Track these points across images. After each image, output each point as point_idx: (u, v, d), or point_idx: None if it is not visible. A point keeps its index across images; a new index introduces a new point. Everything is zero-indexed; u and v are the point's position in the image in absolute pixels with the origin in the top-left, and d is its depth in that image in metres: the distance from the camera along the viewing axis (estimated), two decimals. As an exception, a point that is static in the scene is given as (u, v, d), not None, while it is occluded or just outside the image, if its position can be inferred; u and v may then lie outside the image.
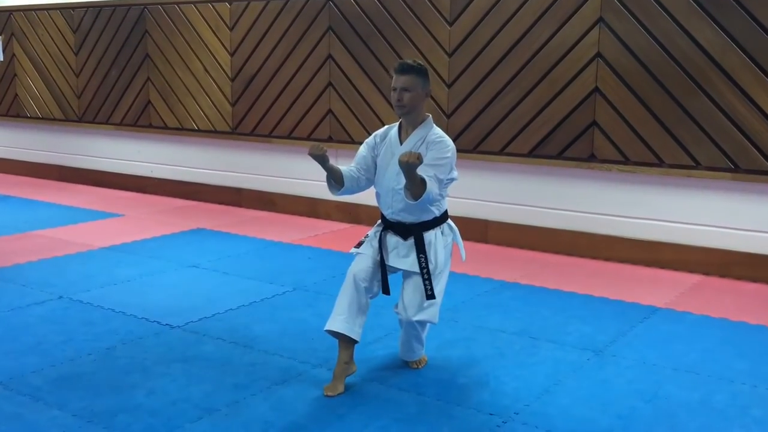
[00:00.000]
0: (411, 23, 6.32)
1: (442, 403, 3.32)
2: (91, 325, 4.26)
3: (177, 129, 7.96)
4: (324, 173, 3.44)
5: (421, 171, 3.16)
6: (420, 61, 3.42)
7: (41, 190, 8.50)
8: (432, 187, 3.20)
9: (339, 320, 3.41)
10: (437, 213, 3.43)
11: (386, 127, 3.56)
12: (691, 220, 5.43)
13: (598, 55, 5.53)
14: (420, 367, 3.68)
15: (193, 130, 7.84)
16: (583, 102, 5.64)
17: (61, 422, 3.12)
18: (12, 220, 6.93)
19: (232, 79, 7.46)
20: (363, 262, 3.46)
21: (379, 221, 3.57)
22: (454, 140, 6.28)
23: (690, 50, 5.20)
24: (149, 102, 8.12)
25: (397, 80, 3.33)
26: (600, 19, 5.49)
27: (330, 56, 6.81)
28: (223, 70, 7.50)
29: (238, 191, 7.69)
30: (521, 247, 6.05)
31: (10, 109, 9.46)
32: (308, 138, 7.05)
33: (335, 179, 3.45)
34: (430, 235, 3.42)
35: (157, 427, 3.08)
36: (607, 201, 5.73)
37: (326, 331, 3.46)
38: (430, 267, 3.38)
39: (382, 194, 3.48)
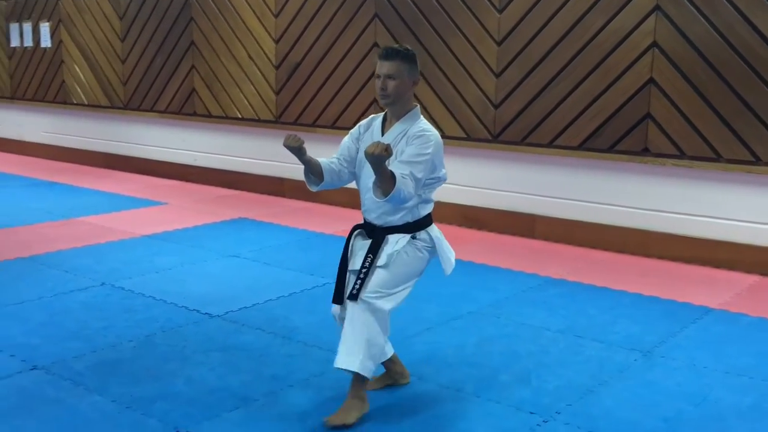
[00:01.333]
0: (459, 10, 6.18)
1: (481, 400, 3.22)
2: (132, 312, 4.25)
3: (221, 117, 7.96)
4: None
5: (395, 167, 2.85)
6: (408, 47, 3.09)
7: (86, 177, 8.59)
8: (403, 185, 2.82)
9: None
10: (410, 219, 3.04)
11: (372, 116, 3.23)
12: (750, 218, 5.20)
13: (654, 44, 5.33)
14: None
15: (236, 118, 7.83)
16: (637, 93, 5.44)
17: (100, 407, 3.11)
18: (57, 206, 7.00)
19: (277, 67, 7.42)
20: (334, 300, 3.14)
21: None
22: (500, 132, 6.13)
23: (751, 39, 4.97)
24: (194, 90, 8.12)
25: (382, 67, 2.99)
26: (657, 7, 5.29)
27: (376, 44, 6.71)
28: (268, 57, 7.46)
29: (281, 181, 7.65)
30: (570, 243, 5.88)
31: (57, 96, 9.58)
32: (353, 128, 6.95)
33: (314, 173, 3.12)
34: (395, 237, 3.03)
35: (194, 415, 3.04)
36: (660, 197, 5.53)
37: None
38: (378, 262, 2.96)
39: (360, 189, 3.17)
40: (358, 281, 2.95)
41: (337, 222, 6.52)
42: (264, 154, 7.79)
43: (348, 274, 3.10)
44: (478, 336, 3.92)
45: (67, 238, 5.83)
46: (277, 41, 7.38)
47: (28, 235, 5.94)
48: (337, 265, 3.12)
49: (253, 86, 7.63)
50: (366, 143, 3.07)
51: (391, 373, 3.31)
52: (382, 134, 3.09)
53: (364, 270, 2.96)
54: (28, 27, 9.73)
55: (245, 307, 4.33)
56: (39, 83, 9.79)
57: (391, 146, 2.91)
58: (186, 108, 8.24)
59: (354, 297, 2.95)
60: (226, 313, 4.24)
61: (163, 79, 8.38)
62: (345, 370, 2.95)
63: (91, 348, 3.72)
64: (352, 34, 6.84)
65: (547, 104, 5.85)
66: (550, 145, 5.89)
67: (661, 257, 5.49)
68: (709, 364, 3.60)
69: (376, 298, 2.94)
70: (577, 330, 4.03)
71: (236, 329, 4.00)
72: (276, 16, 7.33)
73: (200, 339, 3.86)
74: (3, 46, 10.15)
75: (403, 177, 2.84)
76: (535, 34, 5.83)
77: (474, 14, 6.11)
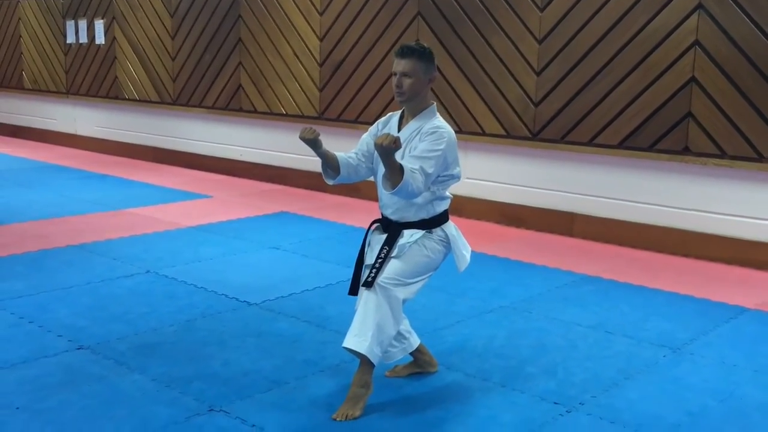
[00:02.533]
0: (501, 9, 6.22)
1: (506, 390, 3.28)
2: (174, 298, 4.41)
3: (266, 113, 8.13)
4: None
5: (407, 162, 2.92)
6: (424, 44, 3.11)
7: (136, 170, 8.85)
8: (411, 178, 2.87)
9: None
10: (425, 215, 3.10)
11: (390, 114, 3.28)
12: (790, 219, 5.15)
13: (696, 42, 5.29)
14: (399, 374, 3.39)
15: (281, 114, 7.99)
16: (679, 92, 5.41)
17: (140, 385, 3.26)
18: (108, 197, 7.25)
19: (321, 64, 7.55)
20: (349, 292, 3.24)
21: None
22: (540, 130, 6.16)
23: (796, 38, 4.92)
24: (240, 86, 8.31)
25: (398, 65, 3.03)
26: (699, 6, 5.25)
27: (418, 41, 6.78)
28: (312, 55, 7.60)
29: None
30: (608, 241, 5.87)
31: (110, 91, 9.88)
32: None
33: (331, 167, 3.17)
34: (410, 231, 3.10)
35: (228, 395, 3.17)
36: (701, 196, 5.49)
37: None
38: (392, 253, 3.04)
39: (377, 185, 3.20)
40: (374, 270, 3.01)
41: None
42: (307, 149, 7.81)
43: (363, 267, 3.18)
44: (508, 329, 3.98)
45: (115, 228, 6.04)
46: (321, 39, 7.51)
47: (79, 224, 6.18)
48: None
49: (298, 83, 7.77)
50: None
51: (419, 362, 3.39)
52: (399, 131, 3.14)
53: (379, 260, 3.03)
54: (83, 24, 10.06)
55: (282, 297, 4.45)
56: (93, 79, 10.11)
57: (404, 141, 3.00)
58: (233, 104, 8.44)
59: (369, 284, 3.00)
60: (264, 301, 4.37)
61: (211, 76, 8.58)
62: (352, 351, 3.01)
63: (134, 331, 3.88)
64: (394, 32, 6.93)
65: (587, 102, 5.86)
66: (590, 143, 5.89)
67: (699, 257, 5.45)
68: (739, 362, 3.60)
69: (393, 285, 3.00)
70: (608, 326, 4.05)
71: (272, 317, 4.13)
72: (321, 14, 7.47)
73: (237, 325, 3.99)
74: (59, 43, 10.51)
75: (412, 171, 2.89)
76: (576, 33, 5.84)
77: (516, 13, 6.14)
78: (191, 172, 8.79)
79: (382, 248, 3.08)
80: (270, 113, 8.08)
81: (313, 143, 3.06)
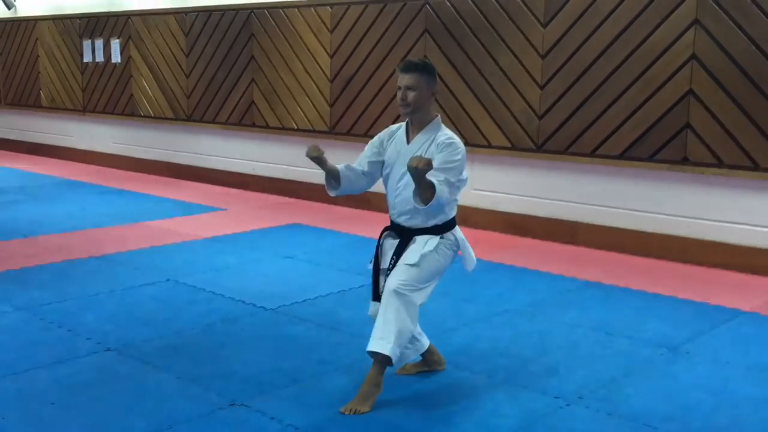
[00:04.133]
0: (505, 25, 6.44)
1: (509, 386, 3.47)
2: (194, 304, 4.62)
3: (278, 128, 8.36)
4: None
5: (431, 175, 3.06)
6: (427, 60, 3.32)
7: (152, 185, 9.09)
8: (442, 191, 3.09)
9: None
10: (437, 221, 3.30)
11: (392, 126, 3.48)
12: (786, 225, 5.32)
13: (693, 56, 5.50)
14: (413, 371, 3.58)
15: (293, 129, 8.22)
16: (677, 104, 5.61)
17: (166, 383, 3.48)
18: (126, 211, 7.48)
19: (331, 81, 7.79)
20: (372, 298, 3.45)
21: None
22: (544, 142, 6.37)
23: (788, 52, 5.11)
24: (253, 102, 8.55)
25: (402, 79, 3.24)
26: (696, 21, 5.46)
27: (425, 58, 7.00)
28: (323, 71, 7.84)
29: (334, 189, 7.98)
30: (610, 249, 6.05)
31: (126, 109, 10.14)
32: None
33: (335, 178, 3.41)
34: (424, 238, 3.29)
35: (248, 391, 3.38)
36: (699, 204, 5.67)
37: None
38: (409, 260, 3.22)
39: (387, 193, 3.42)
40: (388, 274, 3.23)
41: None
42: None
43: (380, 273, 3.40)
44: (513, 331, 4.16)
45: (134, 240, 6.27)
46: (332, 56, 7.75)
47: (100, 236, 6.41)
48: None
49: (309, 99, 8.01)
50: (391, 151, 3.37)
51: (428, 361, 3.59)
52: (407, 142, 3.34)
53: (393, 260, 3.25)
54: (99, 44, 10.34)
55: (297, 302, 4.65)
56: (109, 97, 10.37)
57: (421, 154, 3.16)
58: (245, 120, 8.68)
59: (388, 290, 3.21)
60: (279, 307, 4.57)
61: (225, 93, 8.83)
62: (377, 353, 3.21)
63: (158, 334, 4.09)
64: (402, 48, 7.16)
65: (589, 115, 6.06)
66: (592, 154, 6.09)
67: (699, 263, 5.62)
68: (733, 359, 3.77)
69: (409, 291, 3.21)
70: (609, 328, 4.24)
71: (288, 321, 4.33)
72: (331, 32, 7.71)
73: (255, 329, 4.20)
74: (76, 62, 10.80)
75: (440, 184, 3.10)
76: (577, 48, 6.06)
77: (519, 29, 6.36)
78: (206, 186, 9.02)
79: (395, 254, 3.29)
80: (282, 128, 8.32)
81: (319, 160, 3.30)
